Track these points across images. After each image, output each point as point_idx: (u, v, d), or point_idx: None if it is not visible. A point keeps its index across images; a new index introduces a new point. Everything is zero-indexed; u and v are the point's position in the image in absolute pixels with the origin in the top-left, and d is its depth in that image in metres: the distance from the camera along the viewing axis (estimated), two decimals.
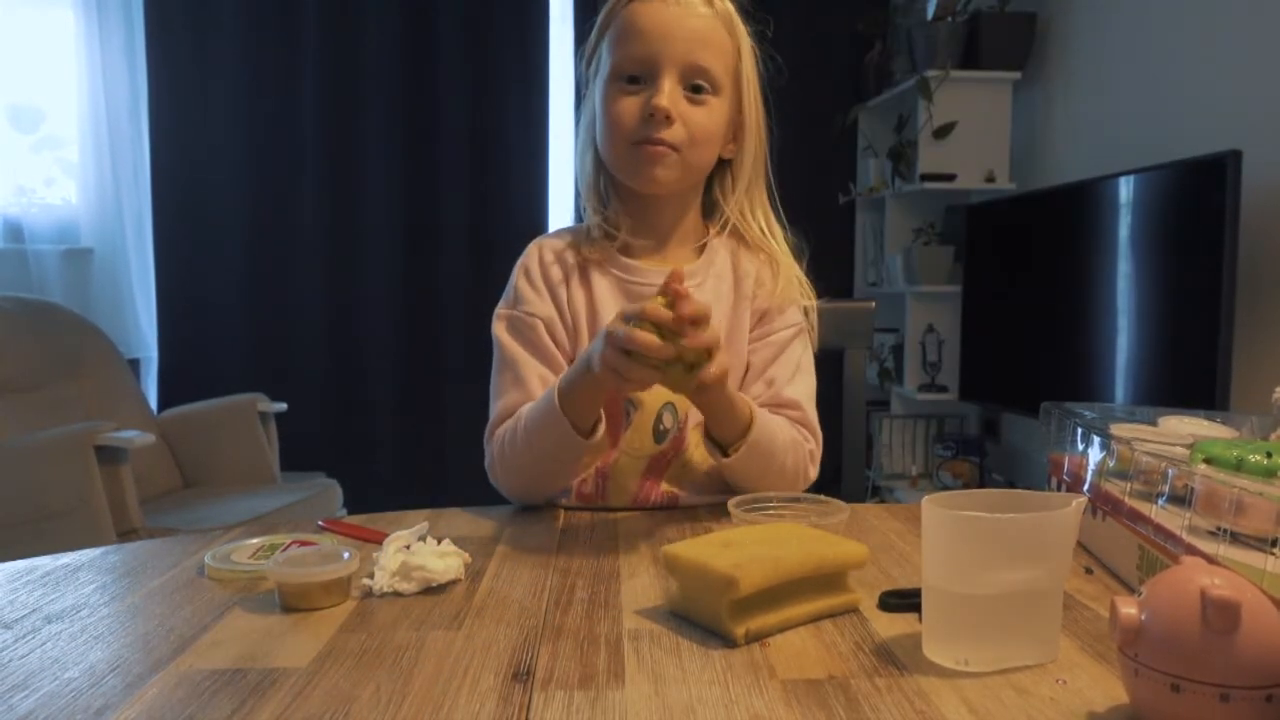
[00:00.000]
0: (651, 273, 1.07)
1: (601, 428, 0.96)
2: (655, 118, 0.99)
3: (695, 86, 1.01)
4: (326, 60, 3.28)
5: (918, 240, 3.27)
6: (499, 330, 1.07)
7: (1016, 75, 3.07)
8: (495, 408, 1.05)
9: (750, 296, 1.09)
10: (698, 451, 1.04)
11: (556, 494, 1.06)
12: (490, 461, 1.04)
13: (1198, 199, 2.02)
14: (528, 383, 1.03)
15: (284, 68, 3.27)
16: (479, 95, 3.35)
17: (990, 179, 3.10)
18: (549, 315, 1.06)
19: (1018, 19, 3.04)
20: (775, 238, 1.12)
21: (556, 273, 1.08)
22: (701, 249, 1.11)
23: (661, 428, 1.05)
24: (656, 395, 1.02)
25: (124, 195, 3.22)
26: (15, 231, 3.11)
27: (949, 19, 3.06)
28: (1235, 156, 1.91)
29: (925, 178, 3.06)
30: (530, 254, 1.11)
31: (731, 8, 1.04)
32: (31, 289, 3.03)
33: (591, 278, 1.07)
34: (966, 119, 3.06)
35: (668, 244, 1.10)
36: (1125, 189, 2.29)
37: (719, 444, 0.97)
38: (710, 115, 1.02)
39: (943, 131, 3.05)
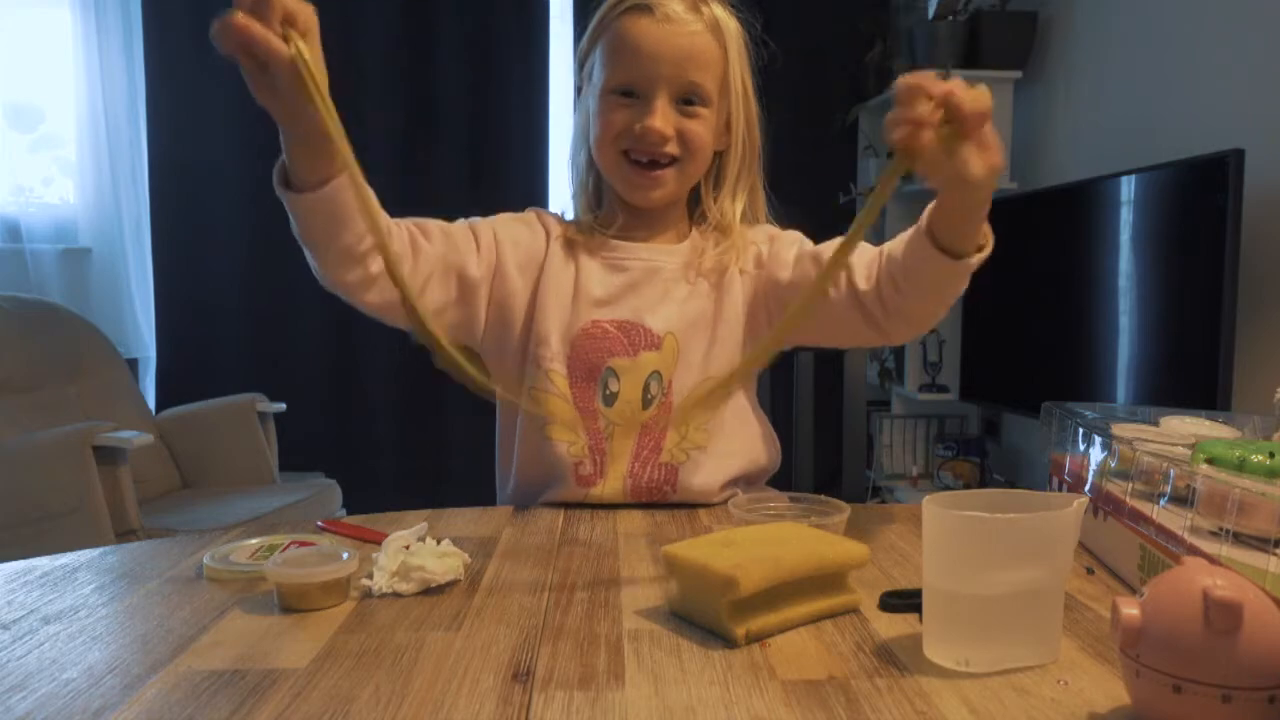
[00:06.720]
0: (637, 249, 1.09)
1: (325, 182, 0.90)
2: (650, 138, 1.02)
3: (687, 99, 1.04)
4: (325, 58, 3.27)
5: None
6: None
7: (1017, 74, 3.06)
8: None
9: (743, 266, 1.10)
10: (689, 412, 1.05)
11: (356, 260, 0.98)
12: None
13: (1199, 198, 2.02)
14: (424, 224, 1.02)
15: None
16: (478, 93, 3.35)
17: None
18: (512, 240, 1.07)
19: (1019, 18, 3.03)
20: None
21: (540, 236, 1.10)
22: (685, 236, 1.13)
23: (649, 396, 1.05)
24: (643, 364, 1.04)
25: (122, 195, 3.21)
26: (13, 231, 3.10)
27: (950, 18, 3.06)
28: (1237, 156, 1.91)
29: None
30: (527, 212, 1.14)
31: (718, 12, 1.05)
32: (30, 289, 3.03)
33: (579, 257, 1.09)
34: None
35: (655, 231, 1.12)
36: (1126, 188, 2.28)
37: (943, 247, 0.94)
38: (703, 125, 1.05)
39: None
